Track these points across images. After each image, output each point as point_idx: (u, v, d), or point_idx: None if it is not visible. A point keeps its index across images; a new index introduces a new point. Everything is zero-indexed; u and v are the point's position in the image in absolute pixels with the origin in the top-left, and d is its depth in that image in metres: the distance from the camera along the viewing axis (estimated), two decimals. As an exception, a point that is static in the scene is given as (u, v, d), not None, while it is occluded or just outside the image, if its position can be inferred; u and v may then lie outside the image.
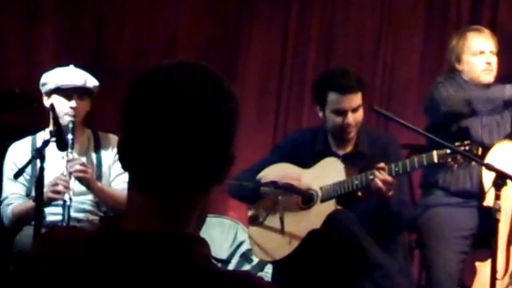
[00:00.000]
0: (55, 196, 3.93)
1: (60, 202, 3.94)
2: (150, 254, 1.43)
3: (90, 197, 4.17)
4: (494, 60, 4.44)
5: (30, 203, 4.02)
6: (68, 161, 3.99)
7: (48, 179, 3.89)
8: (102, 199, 4.15)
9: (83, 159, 4.16)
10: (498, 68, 4.47)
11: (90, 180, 4.07)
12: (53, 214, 4.03)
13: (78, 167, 4.01)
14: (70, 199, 3.94)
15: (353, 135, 4.14)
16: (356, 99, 4.06)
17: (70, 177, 3.98)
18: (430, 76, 5.79)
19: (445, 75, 4.58)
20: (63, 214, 3.91)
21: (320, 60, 6.05)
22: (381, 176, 3.87)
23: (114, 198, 4.13)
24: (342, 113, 4.06)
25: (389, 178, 3.87)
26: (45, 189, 3.84)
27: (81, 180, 4.04)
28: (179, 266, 1.42)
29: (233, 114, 1.48)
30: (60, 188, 3.94)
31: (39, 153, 3.84)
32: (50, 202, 3.96)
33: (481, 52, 4.42)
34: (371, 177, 3.92)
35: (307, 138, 4.27)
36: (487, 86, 4.45)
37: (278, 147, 4.44)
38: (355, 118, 4.07)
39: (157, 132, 1.43)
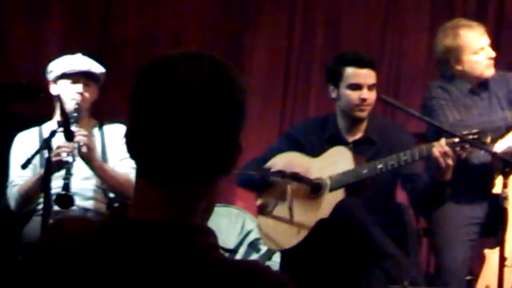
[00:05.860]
0: (58, 158, 3.89)
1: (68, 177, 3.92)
2: (158, 244, 1.43)
3: (93, 181, 4.16)
4: (493, 52, 4.36)
5: (34, 177, 4.03)
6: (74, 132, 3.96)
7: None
8: (103, 177, 4.11)
9: None
10: (503, 60, 4.43)
11: (92, 153, 4.05)
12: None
13: (81, 137, 3.99)
14: (74, 159, 3.92)
15: (365, 115, 4.12)
16: (373, 76, 4.08)
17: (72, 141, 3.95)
18: (436, 66, 5.78)
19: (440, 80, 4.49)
20: (65, 176, 3.89)
21: (326, 50, 6.04)
22: (439, 147, 3.80)
23: (115, 179, 4.11)
24: (359, 87, 4.06)
25: (448, 149, 3.79)
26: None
27: (83, 155, 4.01)
28: (187, 256, 1.42)
29: (241, 104, 1.48)
30: (63, 149, 3.91)
31: (46, 144, 3.85)
32: (57, 167, 3.92)
33: (481, 49, 4.34)
34: (380, 166, 3.91)
35: (318, 124, 4.26)
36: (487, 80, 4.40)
37: (288, 135, 4.43)
38: (370, 97, 4.07)
39: (164, 122, 1.43)
